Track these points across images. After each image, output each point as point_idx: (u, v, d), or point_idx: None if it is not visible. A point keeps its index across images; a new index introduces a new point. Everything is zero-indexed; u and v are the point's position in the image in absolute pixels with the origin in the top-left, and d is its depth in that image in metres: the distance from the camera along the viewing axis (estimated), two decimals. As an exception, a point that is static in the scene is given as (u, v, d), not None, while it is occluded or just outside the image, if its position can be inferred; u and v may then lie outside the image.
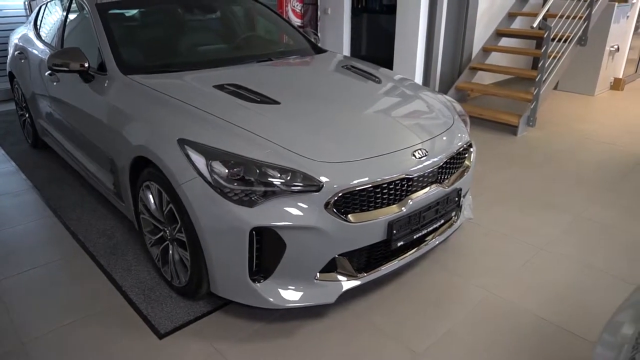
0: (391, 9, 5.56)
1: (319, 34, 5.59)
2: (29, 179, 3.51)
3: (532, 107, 4.64)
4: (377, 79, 2.76)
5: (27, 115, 3.97)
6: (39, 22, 3.80)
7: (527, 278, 2.36)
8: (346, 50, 5.93)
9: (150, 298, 2.15)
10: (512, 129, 4.70)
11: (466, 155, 2.43)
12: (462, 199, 2.40)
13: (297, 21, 5.66)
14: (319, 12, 5.82)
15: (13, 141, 4.29)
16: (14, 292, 2.25)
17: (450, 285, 2.30)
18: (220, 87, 2.32)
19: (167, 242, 2.15)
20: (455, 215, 2.41)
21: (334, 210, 1.82)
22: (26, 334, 1.97)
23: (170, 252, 2.14)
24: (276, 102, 2.21)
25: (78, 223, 2.85)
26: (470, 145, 2.47)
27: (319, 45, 3.48)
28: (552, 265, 2.48)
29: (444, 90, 5.54)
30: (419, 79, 5.35)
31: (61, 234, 2.77)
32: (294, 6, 5.60)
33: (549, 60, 4.82)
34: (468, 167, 2.40)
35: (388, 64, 5.40)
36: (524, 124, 4.67)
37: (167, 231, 2.12)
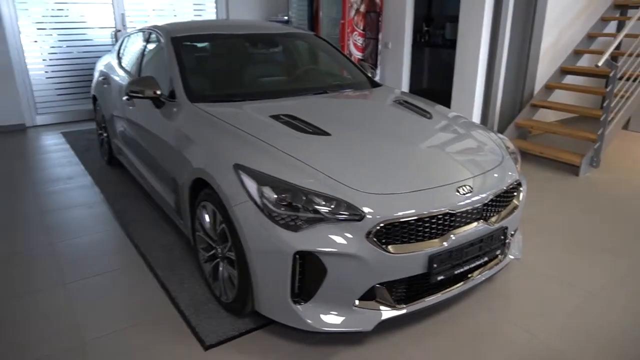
0: (452, 43, 5.61)
1: (377, 68, 5.73)
2: (102, 192, 3.84)
3: (596, 147, 4.48)
4: (429, 115, 2.82)
5: (105, 134, 4.35)
6: (121, 52, 4.20)
7: (575, 325, 2.28)
8: (405, 83, 6.02)
9: (200, 311, 2.29)
10: (574, 169, 4.55)
11: (515, 193, 2.42)
12: (509, 237, 2.38)
13: (358, 54, 5.84)
14: (380, 46, 5.97)
15: (91, 157, 4.70)
16: (79, 295, 2.47)
17: (492, 325, 2.27)
18: (276, 117, 2.48)
19: (218, 259, 2.30)
20: (501, 254, 2.38)
21: (375, 240, 1.88)
22: (86, 334, 2.16)
23: (221, 269, 2.28)
24: (327, 134, 2.33)
25: (141, 236, 3.08)
26: (519, 184, 2.45)
27: (376, 79, 3.60)
28: (604, 314, 2.37)
29: (503, 126, 5.46)
30: (477, 113, 5.32)
31: (125, 245, 3.01)
32: (355, 40, 5.79)
33: (617, 100, 4.65)
34: (517, 206, 2.39)
35: (447, 97, 5.43)
36: (587, 165, 4.50)
37: (219, 249, 2.26)
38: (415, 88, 6.30)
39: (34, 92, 5.94)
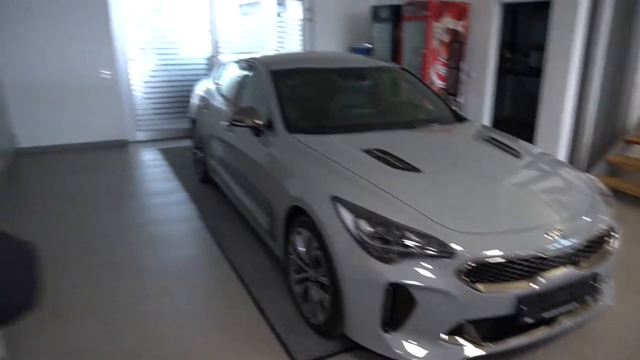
0: (537, 71, 5.51)
1: (461, 100, 5.74)
2: (197, 209, 4.18)
3: (697, 188, 4.21)
4: (516, 153, 2.85)
5: (201, 154, 4.73)
6: (219, 79, 4.57)
7: (671, 379, 2.20)
8: (488, 113, 5.98)
9: (290, 330, 2.46)
10: (670, 210, 4.30)
11: (607, 238, 2.38)
12: (600, 284, 2.34)
13: (440, 83, 5.89)
14: (462, 75, 5.99)
15: (186, 174, 5.11)
16: (180, 304, 2.73)
17: (580, 370, 2.24)
18: (368, 152, 2.63)
19: (310, 283, 2.46)
20: (591, 300, 2.35)
21: (464, 277, 1.95)
22: (187, 342, 2.40)
23: (312, 292, 2.44)
24: (418, 170, 2.44)
25: (234, 253, 3.33)
26: (612, 229, 2.41)
27: (460, 112, 3.66)
28: None
29: (592, 162, 5.26)
30: (564, 146, 5.17)
31: (219, 261, 3.27)
32: (438, 69, 5.86)
33: None
34: (609, 251, 2.35)
35: (530, 127, 5.32)
36: (686, 206, 4.24)
37: (311, 273, 2.43)
38: (497, 117, 6.22)
39: (135, 111, 6.55)
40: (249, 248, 3.42)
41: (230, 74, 4.34)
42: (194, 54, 6.77)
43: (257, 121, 3.08)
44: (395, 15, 6.31)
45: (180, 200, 4.41)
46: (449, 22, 5.77)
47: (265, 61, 3.70)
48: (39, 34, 5.68)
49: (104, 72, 6.11)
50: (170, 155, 5.88)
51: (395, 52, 6.39)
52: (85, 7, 5.81)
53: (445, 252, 1.96)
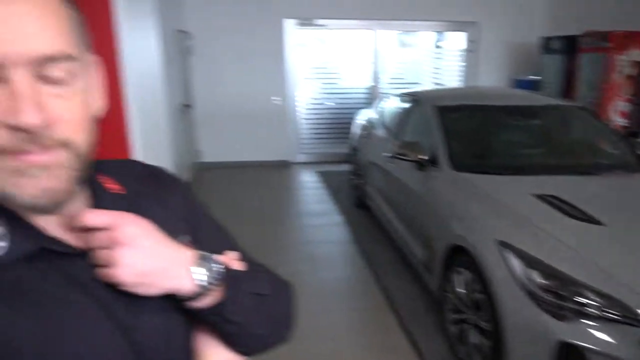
0: None
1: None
2: (352, 232, 4.38)
3: None
4: None
5: (358, 180, 4.96)
6: (382, 110, 4.77)
7: None
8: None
9: (442, 369, 2.46)
10: None
11: None
12: None
13: (621, 122, 5.33)
14: (648, 112, 5.34)
15: (342, 198, 5.39)
16: (336, 324, 2.90)
17: None
18: (541, 197, 2.52)
19: (468, 325, 2.43)
20: None
21: (653, 350, 1.76)
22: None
23: (469, 335, 2.41)
24: (598, 222, 2.27)
25: (387, 280, 3.42)
26: None
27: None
28: None
29: None
30: None
31: (371, 287, 3.39)
32: (619, 106, 5.30)
33: None
34: None
35: None
36: None
37: (470, 316, 2.40)
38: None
39: (298, 134, 7.13)
40: (401, 276, 3.48)
41: (393, 106, 4.50)
42: (355, 83, 7.14)
43: (421, 156, 3.16)
44: (569, 46, 5.90)
45: (335, 223, 4.67)
46: (634, 54, 5.21)
47: (430, 96, 3.78)
48: (225, 66, 6.55)
49: (275, 98, 6.79)
50: (327, 178, 6.25)
51: (568, 86, 5.95)
52: (265, 42, 6.54)
53: (629, 317, 1.80)
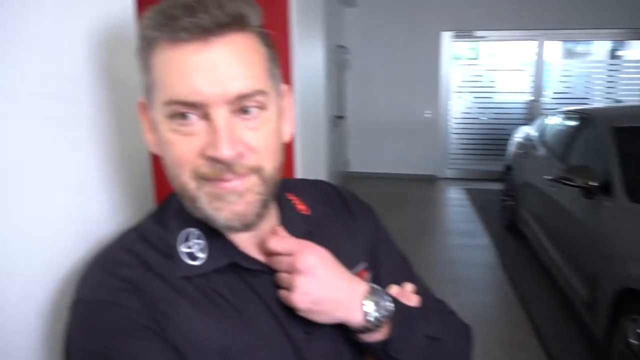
0: None
1: None
2: (500, 256, 4.12)
3: None
4: None
5: (510, 201, 4.64)
6: (543, 128, 4.39)
7: None
8: None
9: None
10: None
11: None
12: None
13: None
14: None
15: (490, 218, 5.09)
16: (480, 354, 2.74)
17: None
18: None
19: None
20: None
21: None
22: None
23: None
24: None
25: (538, 316, 3.14)
26: None
27: None
28: None
29: None
30: None
31: (521, 319, 3.13)
32: None
33: None
34: None
35: None
36: None
37: (644, 372, 2.08)
38: None
39: (447, 148, 6.93)
40: (555, 312, 3.16)
41: (557, 124, 4.12)
42: (512, 97, 6.69)
43: (590, 182, 2.84)
44: None
45: (482, 245, 4.43)
46: None
47: (604, 114, 3.38)
48: (378, 80, 6.67)
49: (427, 112, 6.71)
50: (475, 196, 5.96)
51: None
52: (420, 56, 6.51)
53: None
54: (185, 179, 0.64)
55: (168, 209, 0.74)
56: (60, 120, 0.77)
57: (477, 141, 6.88)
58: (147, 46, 0.63)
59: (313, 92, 3.63)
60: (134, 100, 0.73)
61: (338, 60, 5.94)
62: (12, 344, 0.69)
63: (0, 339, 0.67)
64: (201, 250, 0.69)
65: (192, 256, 0.69)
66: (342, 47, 6.18)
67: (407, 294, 0.80)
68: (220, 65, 0.60)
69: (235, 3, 0.61)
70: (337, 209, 0.87)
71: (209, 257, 0.69)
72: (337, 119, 5.99)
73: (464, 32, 6.52)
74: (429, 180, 6.80)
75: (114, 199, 0.90)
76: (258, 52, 0.66)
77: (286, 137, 0.75)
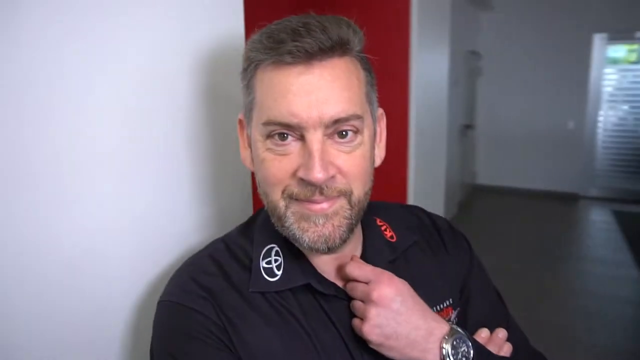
0: None
1: None
2: (650, 295, 3.54)
3: None
4: None
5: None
6: None
7: None
8: None
9: None
10: None
11: None
12: None
13: None
14: None
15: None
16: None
17: None
18: None
19: None
20: None
21: None
22: None
23: None
24: None
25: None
26: None
27: None
28: None
29: None
30: None
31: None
32: None
33: None
34: None
35: None
36: None
37: None
38: None
39: (593, 164, 6.15)
40: None
41: None
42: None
43: None
44: None
45: (628, 277, 3.84)
46: None
47: None
48: (513, 87, 6.19)
49: (570, 122, 6.05)
50: (625, 220, 5.19)
51: None
52: (566, 61, 5.89)
53: None
54: (275, 197, 0.66)
55: (255, 222, 0.77)
56: (160, 132, 0.83)
57: (632, 157, 5.99)
58: (251, 67, 0.67)
59: (434, 100, 3.50)
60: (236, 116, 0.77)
61: (470, 67, 5.65)
62: (105, 335, 0.77)
63: (96, 329, 0.75)
64: (279, 268, 0.71)
65: (270, 272, 0.70)
66: (475, 52, 5.87)
67: (499, 342, 0.73)
68: (319, 88, 0.61)
69: (339, 28, 0.62)
70: (428, 238, 0.83)
71: (286, 276, 0.70)
72: (466, 128, 5.71)
73: (621, 33, 5.74)
74: (570, 199, 6.11)
75: (210, 210, 0.95)
76: (358, 77, 0.66)
77: (378, 162, 0.74)
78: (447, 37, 3.64)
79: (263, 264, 0.71)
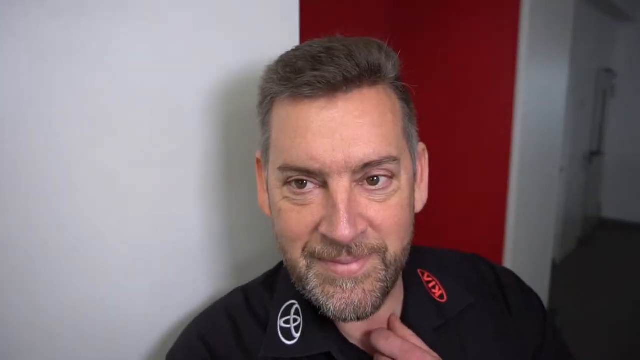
0: None
1: None
2: None
3: None
4: None
5: None
6: None
7: None
8: None
9: None
10: None
11: None
12: None
13: None
14: None
15: None
16: None
17: None
18: None
19: None
20: None
21: None
22: None
23: None
24: None
25: None
26: None
27: None
28: None
29: None
30: None
31: None
32: None
33: None
34: None
35: None
36: None
37: None
38: None
39: None
40: None
41: None
42: None
43: None
44: None
45: None
46: None
47: None
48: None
49: None
50: None
51: None
52: None
53: None
54: (294, 255, 0.55)
55: (281, 272, 0.67)
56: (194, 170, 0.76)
57: None
58: (267, 101, 0.57)
59: (547, 125, 3.11)
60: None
61: (600, 86, 5.01)
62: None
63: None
64: (297, 329, 0.61)
65: (287, 333, 0.61)
66: (608, 70, 5.20)
67: None
68: (344, 126, 0.50)
69: (368, 52, 0.51)
70: (489, 298, 0.68)
71: (304, 340, 0.60)
72: (592, 155, 5.07)
73: None
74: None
75: (229, 261, 0.86)
76: (392, 110, 0.54)
77: (419, 207, 0.62)
78: (568, 51, 3.21)
79: (281, 322, 0.62)
